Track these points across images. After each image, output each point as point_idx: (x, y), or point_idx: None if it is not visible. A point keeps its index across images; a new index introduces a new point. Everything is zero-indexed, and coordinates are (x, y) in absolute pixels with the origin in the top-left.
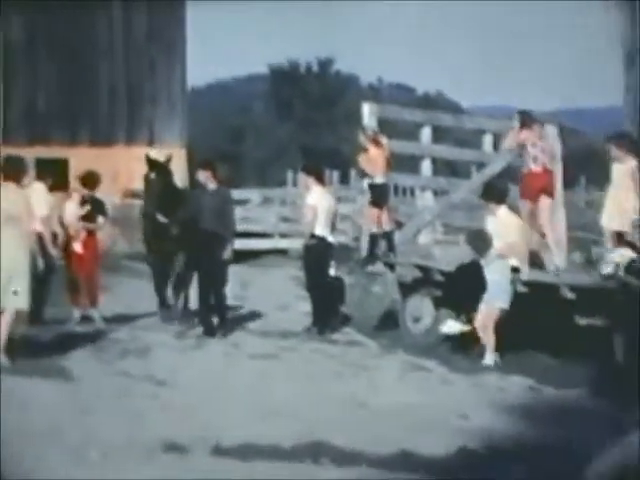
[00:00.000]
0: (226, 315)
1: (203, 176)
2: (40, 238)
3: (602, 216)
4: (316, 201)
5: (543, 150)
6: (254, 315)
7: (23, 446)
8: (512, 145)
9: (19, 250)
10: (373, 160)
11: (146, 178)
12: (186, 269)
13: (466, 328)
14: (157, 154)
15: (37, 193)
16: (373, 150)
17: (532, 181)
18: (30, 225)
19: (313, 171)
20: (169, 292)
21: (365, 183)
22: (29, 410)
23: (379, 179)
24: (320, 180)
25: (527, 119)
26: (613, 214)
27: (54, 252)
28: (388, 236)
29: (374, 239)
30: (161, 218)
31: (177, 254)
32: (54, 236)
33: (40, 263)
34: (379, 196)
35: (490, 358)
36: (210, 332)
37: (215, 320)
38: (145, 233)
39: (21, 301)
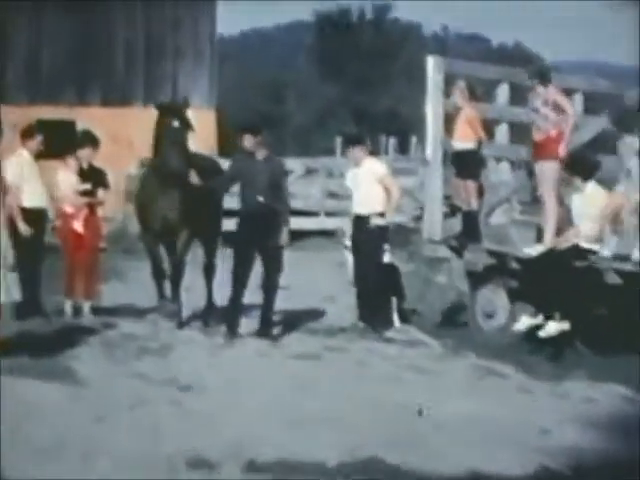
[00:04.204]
0: (272, 316)
1: (250, 142)
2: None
3: None
4: (376, 176)
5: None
6: (295, 308)
7: (22, 459)
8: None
9: None
10: (469, 122)
11: (166, 126)
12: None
13: (549, 326)
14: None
15: (17, 160)
16: (469, 110)
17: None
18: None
19: (359, 140)
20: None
21: (430, 150)
22: (29, 417)
23: (469, 145)
24: (368, 150)
25: (548, 74)
26: None
27: (24, 229)
28: (471, 215)
29: (467, 216)
30: (194, 179)
31: (184, 227)
32: (36, 212)
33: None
34: (469, 166)
35: None
36: (233, 333)
37: (257, 321)
38: (144, 198)
39: None
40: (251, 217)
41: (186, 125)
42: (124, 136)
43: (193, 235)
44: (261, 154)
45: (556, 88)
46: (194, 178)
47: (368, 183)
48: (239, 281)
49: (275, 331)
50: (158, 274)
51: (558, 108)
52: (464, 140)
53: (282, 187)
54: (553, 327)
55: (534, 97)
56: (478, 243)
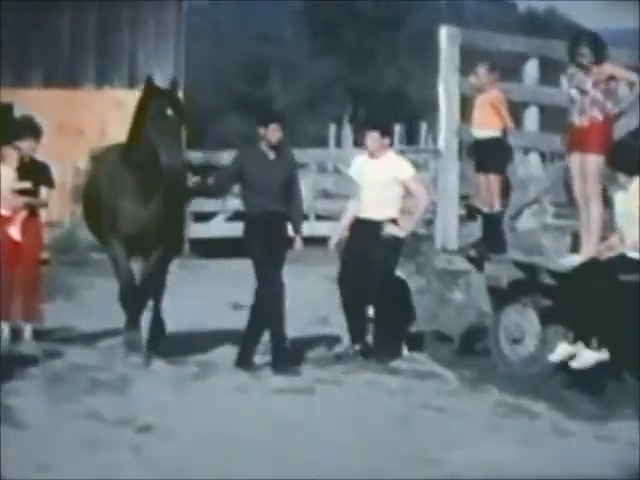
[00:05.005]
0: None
1: (276, 136)
2: None
3: None
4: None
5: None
6: None
7: None
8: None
9: None
10: (493, 105)
11: (157, 114)
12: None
13: (583, 355)
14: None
15: None
16: (495, 92)
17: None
18: None
19: (380, 125)
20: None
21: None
22: None
23: (493, 133)
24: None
25: (604, 48)
26: None
27: None
28: (494, 218)
29: (490, 220)
30: (191, 181)
31: (162, 237)
32: None
33: None
34: (492, 158)
35: None
36: (283, 367)
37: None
38: (111, 196)
39: None
40: (261, 224)
41: (181, 114)
42: (72, 124)
43: (168, 247)
44: (277, 149)
45: (612, 63)
46: (191, 181)
47: (386, 183)
48: (273, 293)
49: (256, 360)
50: (131, 293)
51: (609, 91)
52: (487, 127)
53: (296, 188)
54: (589, 356)
55: (584, 76)
56: (503, 253)
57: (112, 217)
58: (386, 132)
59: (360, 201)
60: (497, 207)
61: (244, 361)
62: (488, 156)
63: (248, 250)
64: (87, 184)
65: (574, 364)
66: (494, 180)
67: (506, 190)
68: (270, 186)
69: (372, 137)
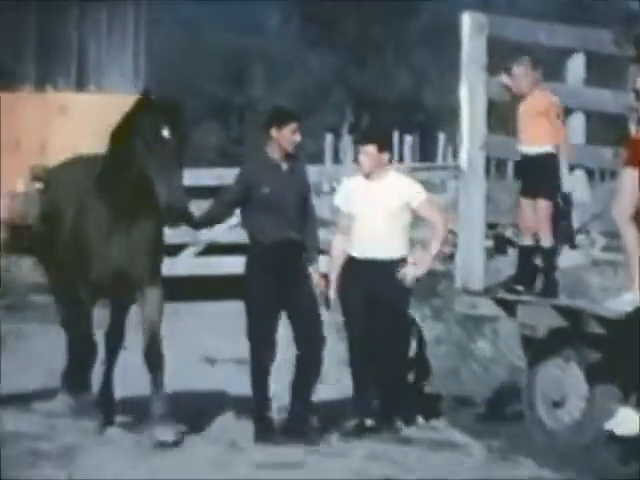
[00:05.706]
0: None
1: (295, 137)
2: None
3: None
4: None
5: None
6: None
7: None
8: None
9: None
10: (547, 113)
11: (149, 133)
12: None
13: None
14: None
15: None
16: (544, 95)
17: None
18: None
19: (378, 137)
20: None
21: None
22: None
23: (545, 148)
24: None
25: None
26: None
27: None
28: (545, 254)
29: (526, 254)
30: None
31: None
32: None
33: None
34: (545, 179)
35: None
36: (265, 436)
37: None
38: (84, 234)
39: None
40: (273, 257)
41: (181, 137)
42: (6, 133)
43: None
44: (290, 157)
45: None
46: (195, 214)
47: (392, 213)
48: (263, 355)
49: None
50: (89, 346)
51: None
52: (536, 140)
53: (310, 206)
54: (634, 421)
55: (636, 74)
56: (555, 297)
57: (80, 255)
58: (385, 145)
59: (356, 237)
60: (549, 242)
61: (294, 427)
62: (538, 177)
63: (249, 293)
64: (42, 213)
65: (617, 430)
66: (544, 207)
67: (555, 219)
68: (285, 206)
69: (367, 152)
